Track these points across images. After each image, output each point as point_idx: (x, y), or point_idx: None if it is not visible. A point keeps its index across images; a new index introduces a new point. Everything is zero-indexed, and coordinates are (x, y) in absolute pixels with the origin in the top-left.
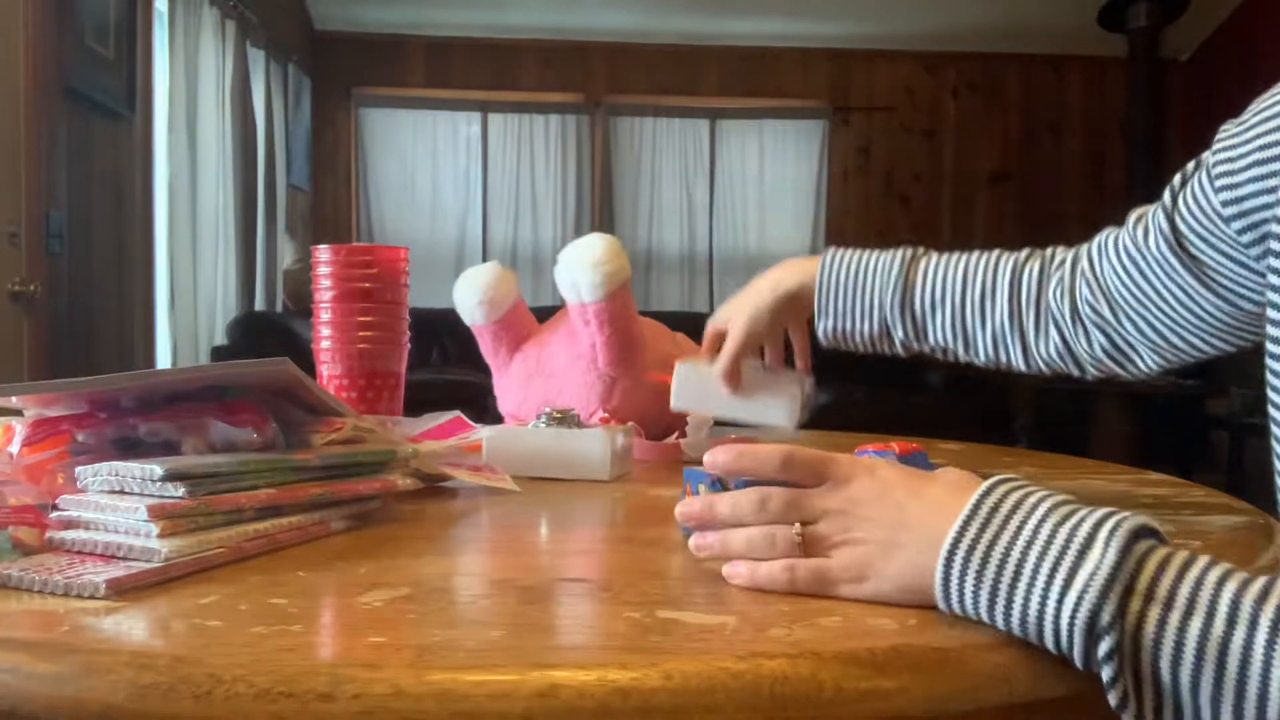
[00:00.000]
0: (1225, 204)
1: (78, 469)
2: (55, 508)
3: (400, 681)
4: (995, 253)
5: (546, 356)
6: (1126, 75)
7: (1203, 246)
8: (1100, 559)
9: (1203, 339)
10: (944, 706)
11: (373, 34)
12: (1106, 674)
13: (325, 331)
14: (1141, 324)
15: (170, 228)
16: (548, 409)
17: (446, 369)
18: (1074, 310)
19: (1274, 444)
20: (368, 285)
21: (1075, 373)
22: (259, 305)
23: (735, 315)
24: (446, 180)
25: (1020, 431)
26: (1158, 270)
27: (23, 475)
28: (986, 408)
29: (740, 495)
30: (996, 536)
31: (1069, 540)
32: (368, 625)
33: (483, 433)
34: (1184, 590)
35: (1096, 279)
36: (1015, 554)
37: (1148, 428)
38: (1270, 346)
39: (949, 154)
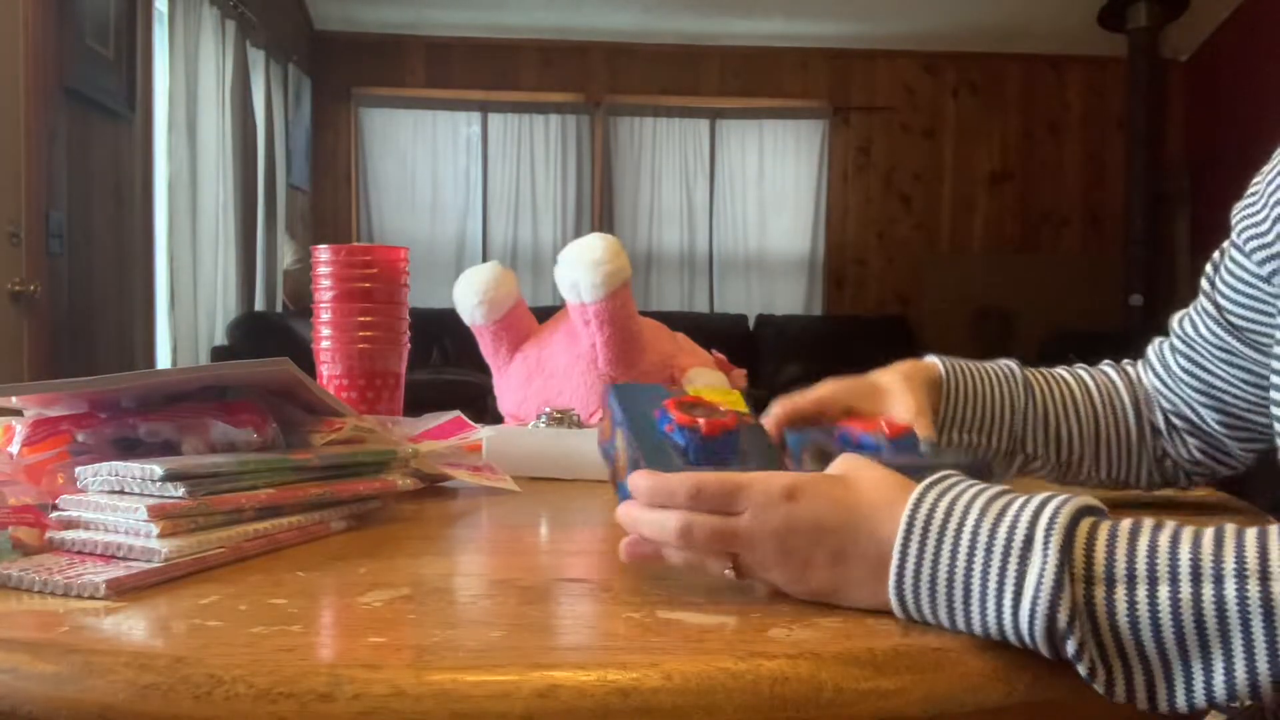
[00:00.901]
0: (1261, 263)
1: (78, 469)
2: (55, 508)
3: (400, 681)
4: (1099, 374)
5: (546, 356)
6: (1126, 75)
7: (1248, 314)
8: (1043, 560)
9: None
10: (944, 706)
11: (373, 34)
12: (1082, 670)
13: (325, 331)
14: (1218, 413)
15: (170, 228)
16: (548, 409)
17: (446, 369)
18: (1165, 421)
19: (1275, 433)
20: (368, 285)
21: (1185, 484)
22: (259, 305)
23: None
24: (446, 180)
25: None
26: (1215, 353)
27: (23, 475)
28: None
29: (666, 519)
30: (938, 553)
31: (1008, 544)
32: (368, 625)
33: (483, 433)
34: (1141, 561)
35: (1166, 385)
36: (960, 569)
37: None
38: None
39: (949, 154)
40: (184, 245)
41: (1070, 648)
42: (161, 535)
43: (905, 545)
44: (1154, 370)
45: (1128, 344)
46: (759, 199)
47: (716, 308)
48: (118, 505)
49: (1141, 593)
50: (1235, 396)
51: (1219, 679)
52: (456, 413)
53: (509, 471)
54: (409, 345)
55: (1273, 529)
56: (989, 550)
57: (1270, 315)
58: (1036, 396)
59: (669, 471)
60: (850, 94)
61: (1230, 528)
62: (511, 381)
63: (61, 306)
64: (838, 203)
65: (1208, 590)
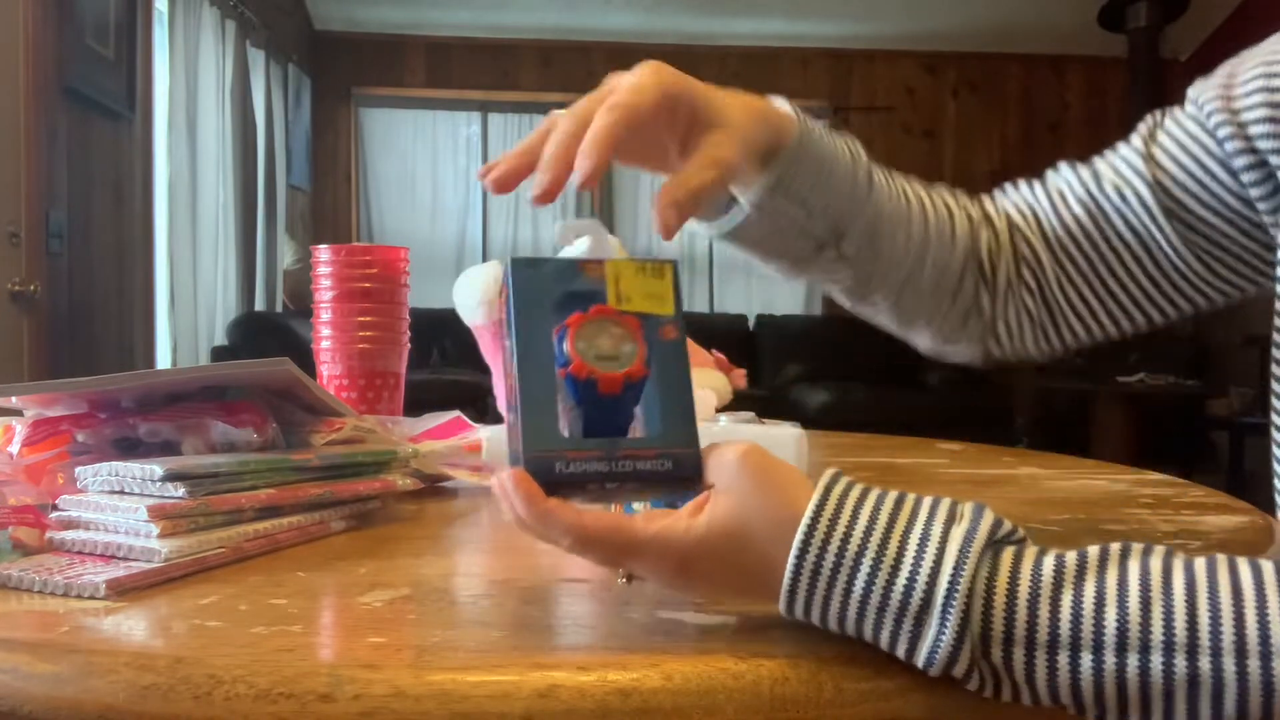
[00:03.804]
0: (1225, 140)
1: (78, 469)
2: (55, 508)
3: (400, 682)
4: (932, 198)
5: None
6: (1126, 75)
7: (1186, 198)
8: (939, 630)
9: (1148, 305)
10: (944, 706)
11: (373, 34)
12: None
13: (325, 331)
14: (1091, 283)
15: (170, 228)
16: None
17: (446, 369)
18: (1011, 272)
19: (1275, 433)
20: (368, 285)
21: (966, 354)
22: (259, 305)
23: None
24: (446, 180)
25: (1020, 431)
26: (1131, 222)
27: (23, 475)
28: (986, 408)
29: (552, 528)
30: (825, 610)
31: (903, 606)
32: (368, 625)
33: (483, 433)
34: (1064, 625)
35: (1046, 235)
36: (850, 624)
37: (1148, 428)
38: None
39: (949, 154)
40: (184, 245)
41: (973, 685)
42: (161, 535)
43: (791, 599)
44: (1040, 213)
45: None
46: None
47: (716, 308)
48: (118, 505)
49: (1063, 659)
50: (1124, 271)
51: None
52: (456, 413)
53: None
54: (409, 345)
55: (1200, 578)
56: (881, 611)
57: (1218, 211)
58: (875, 198)
59: (553, 448)
60: (850, 94)
61: (1156, 570)
62: None
63: (61, 306)
64: None
65: (1132, 660)
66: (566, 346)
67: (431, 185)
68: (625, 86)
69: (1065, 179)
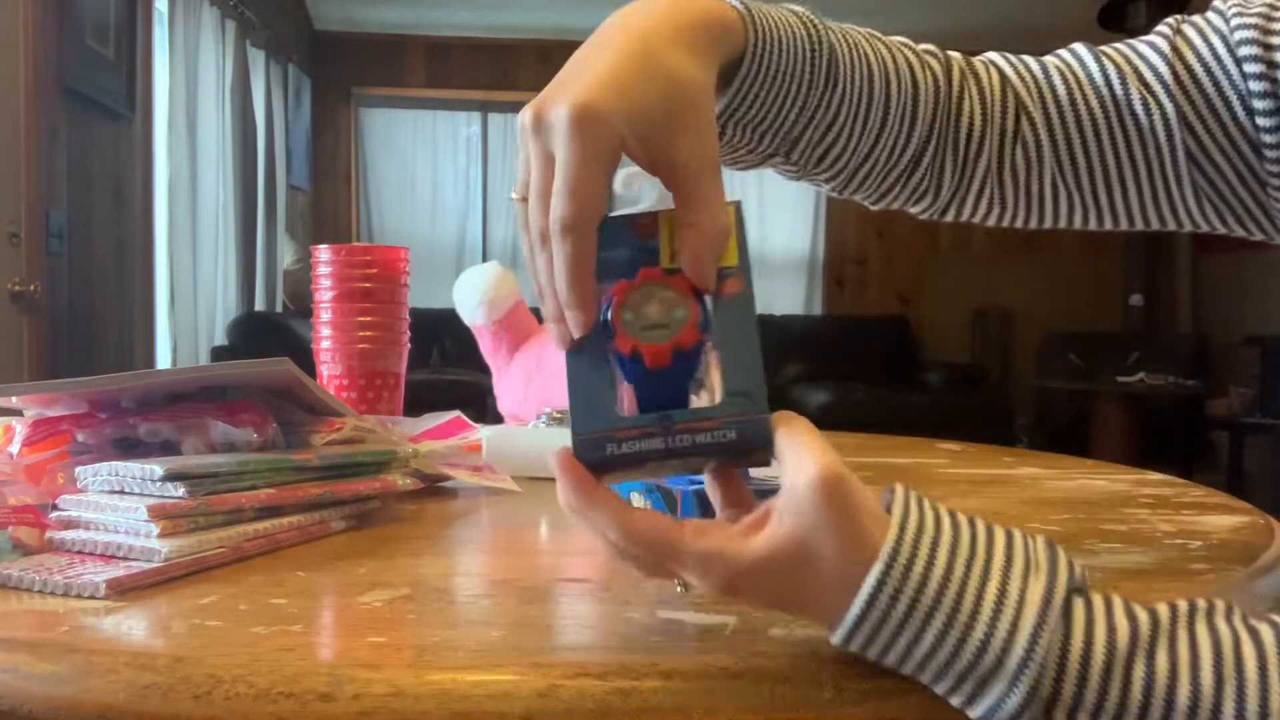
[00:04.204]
0: (1251, 77)
1: (78, 469)
2: (55, 508)
3: (400, 681)
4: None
5: (546, 356)
6: None
7: (1205, 138)
8: (1002, 697)
9: (1135, 218)
10: (944, 706)
11: (373, 34)
12: None
13: (325, 331)
14: (1084, 188)
15: (170, 228)
16: (548, 409)
17: (446, 369)
18: (993, 156)
19: None
20: (368, 285)
21: (919, 206)
22: (259, 305)
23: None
24: (446, 180)
25: (1020, 431)
26: (1148, 142)
27: (23, 475)
28: (986, 408)
29: (597, 520)
30: (887, 649)
31: (968, 671)
32: (368, 625)
33: (483, 433)
34: (1134, 699)
35: (1052, 122)
36: (909, 667)
37: (1148, 428)
38: None
39: None
40: (184, 245)
41: None
42: (161, 535)
43: (850, 639)
44: (1029, 96)
45: (1127, 344)
46: (759, 198)
47: None
48: (118, 505)
49: None
50: (1122, 196)
51: None
52: (456, 413)
53: (509, 471)
54: (409, 345)
55: (1270, 653)
56: (947, 666)
57: (1234, 157)
58: (831, 99)
59: (603, 428)
60: None
61: (1227, 641)
62: (511, 381)
63: (61, 306)
64: (838, 202)
65: None
66: (611, 318)
67: (431, 185)
68: (565, 195)
69: (1085, 64)
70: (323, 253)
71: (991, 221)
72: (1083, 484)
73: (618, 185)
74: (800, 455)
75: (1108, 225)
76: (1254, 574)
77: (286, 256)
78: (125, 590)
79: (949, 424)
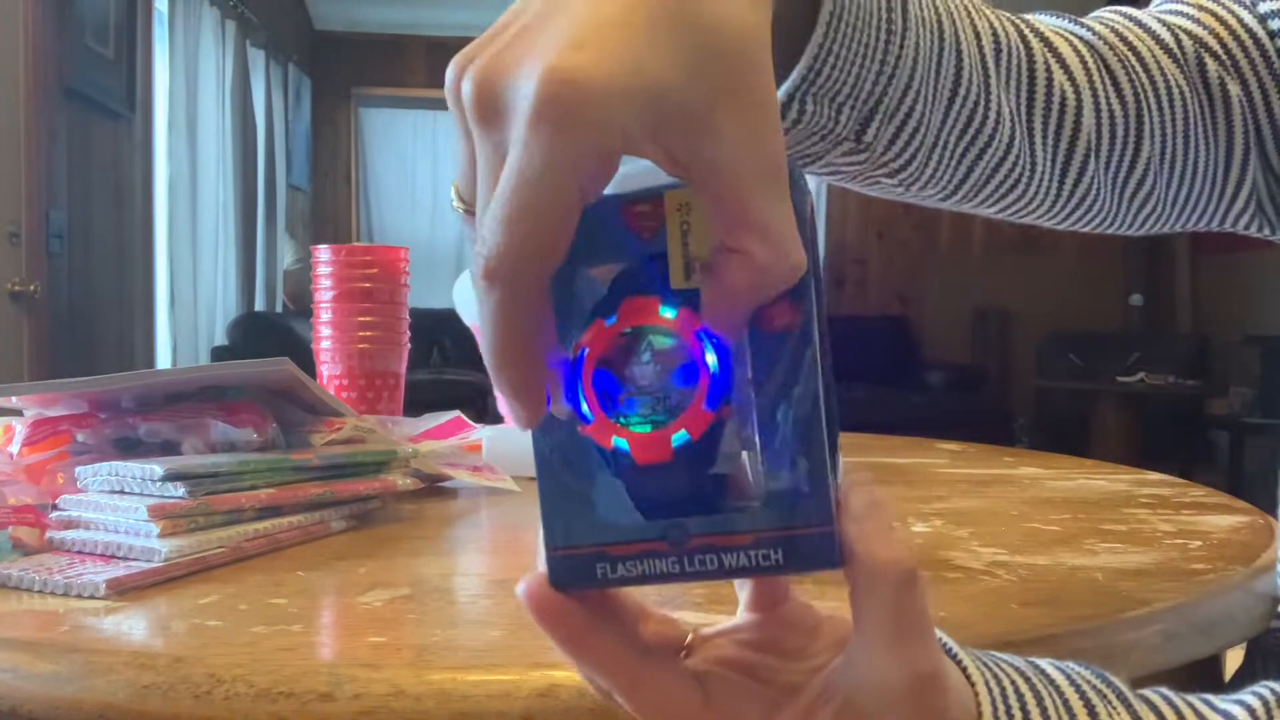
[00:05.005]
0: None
1: (78, 469)
2: (55, 508)
3: (400, 681)
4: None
5: None
6: None
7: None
8: None
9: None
10: None
11: (373, 34)
12: None
13: (325, 331)
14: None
15: (170, 228)
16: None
17: (446, 369)
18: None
19: None
20: (368, 285)
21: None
22: (259, 305)
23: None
24: (446, 180)
25: (1020, 431)
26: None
27: (23, 475)
28: (986, 408)
29: (590, 668)
30: None
31: None
32: (368, 625)
33: (483, 433)
34: None
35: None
36: None
37: (1148, 428)
38: None
39: None
40: (184, 245)
41: None
42: (161, 535)
43: None
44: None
45: (1127, 344)
46: None
47: None
48: (118, 505)
49: None
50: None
51: None
52: (456, 413)
53: (509, 471)
54: (409, 345)
55: None
56: None
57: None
58: (905, 41)
59: (587, 543)
60: None
61: None
62: None
63: (61, 306)
64: (837, 203)
65: None
66: (580, 390)
67: (431, 185)
68: (504, 223)
69: (1157, 36)
70: (323, 253)
71: (1101, 228)
72: (1082, 484)
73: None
74: (884, 628)
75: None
76: (1254, 574)
77: (286, 256)
78: (125, 590)
79: (949, 424)
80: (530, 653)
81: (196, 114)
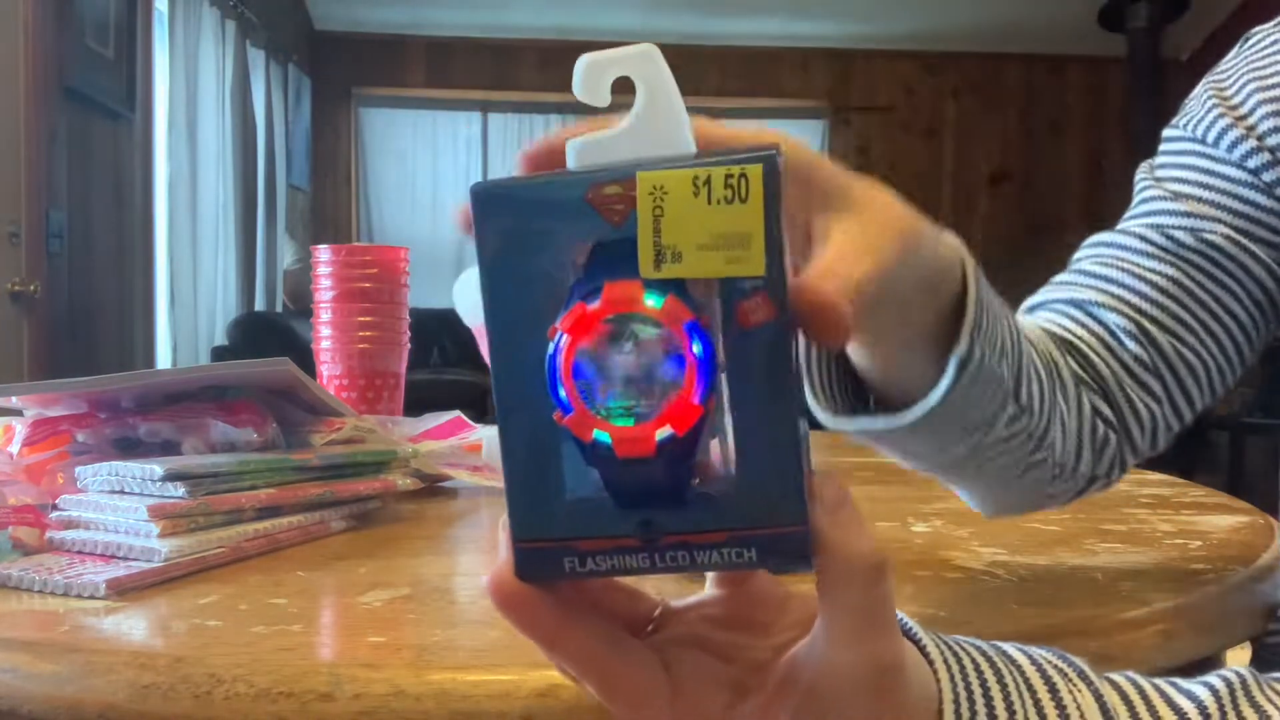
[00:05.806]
0: (1245, 157)
1: (78, 469)
2: (55, 508)
3: (400, 681)
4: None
5: None
6: (1126, 75)
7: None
8: None
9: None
10: None
11: (373, 34)
12: None
13: (325, 331)
14: (1199, 353)
15: (170, 228)
16: None
17: (446, 369)
18: (1119, 377)
19: None
20: (368, 285)
21: (1103, 482)
22: (259, 305)
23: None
24: (446, 180)
25: None
26: (1216, 278)
27: (23, 475)
28: None
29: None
30: None
31: None
32: (368, 625)
33: (483, 433)
34: None
35: (1133, 305)
36: None
37: None
38: None
39: (949, 154)
40: (184, 245)
41: None
42: (161, 535)
43: None
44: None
45: None
46: None
47: None
48: (118, 505)
49: None
50: (1223, 327)
51: None
52: (456, 413)
53: None
54: (409, 345)
55: None
56: None
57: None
58: (1020, 338)
59: (556, 536)
60: (850, 94)
61: None
62: None
63: (61, 306)
64: None
65: None
66: (560, 378)
67: (431, 185)
68: None
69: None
70: (322, 253)
71: (1163, 429)
72: None
73: (577, 80)
74: (852, 619)
75: (1244, 354)
76: (1254, 574)
77: (286, 256)
78: (125, 590)
79: None
80: (530, 653)
81: (196, 114)
